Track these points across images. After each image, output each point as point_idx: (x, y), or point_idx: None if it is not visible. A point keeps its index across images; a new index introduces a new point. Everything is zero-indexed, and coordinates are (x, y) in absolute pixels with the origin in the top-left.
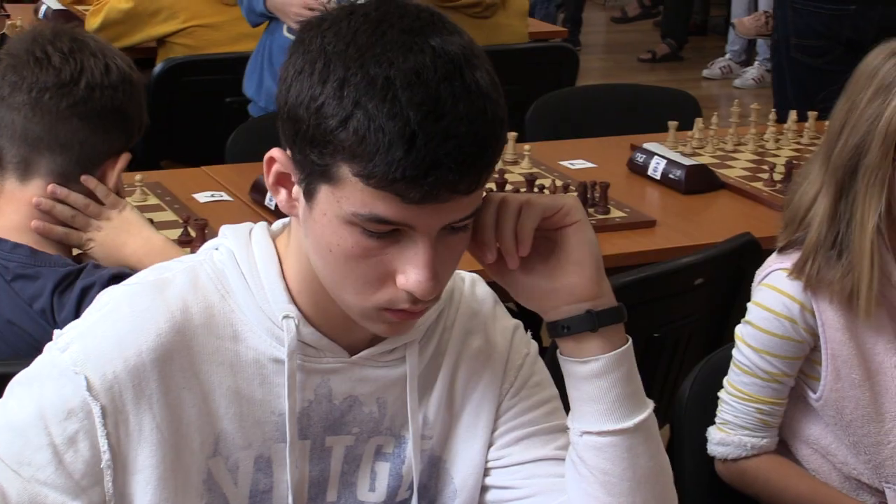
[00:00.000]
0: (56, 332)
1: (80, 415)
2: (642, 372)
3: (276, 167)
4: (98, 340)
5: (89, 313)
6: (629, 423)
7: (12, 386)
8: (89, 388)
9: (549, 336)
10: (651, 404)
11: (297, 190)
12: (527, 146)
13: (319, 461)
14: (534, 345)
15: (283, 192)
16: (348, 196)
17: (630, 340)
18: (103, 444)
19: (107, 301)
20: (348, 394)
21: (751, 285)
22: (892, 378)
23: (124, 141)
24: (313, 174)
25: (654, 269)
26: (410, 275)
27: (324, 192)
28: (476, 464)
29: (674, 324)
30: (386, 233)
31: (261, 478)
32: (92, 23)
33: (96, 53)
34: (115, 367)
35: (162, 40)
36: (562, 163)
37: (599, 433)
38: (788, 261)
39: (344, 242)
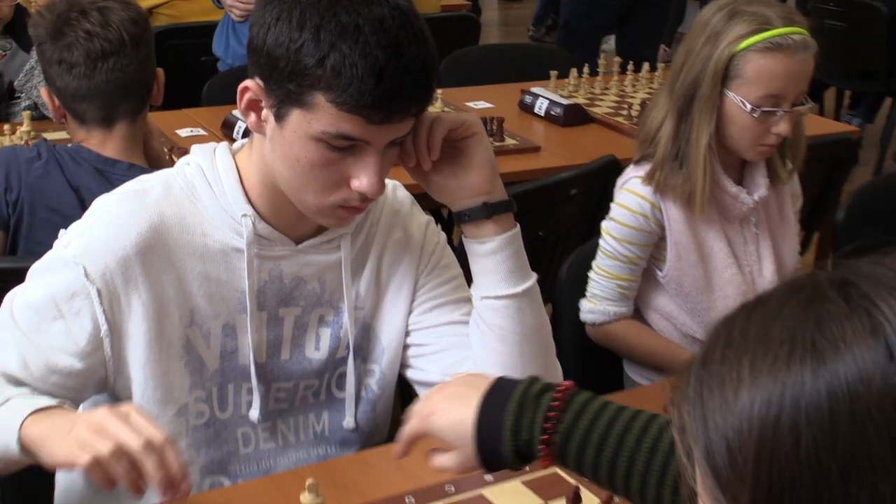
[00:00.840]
0: (61, 231)
1: (82, 296)
2: (532, 264)
3: (248, 95)
4: (93, 239)
5: (86, 217)
6: (518, 289)
7: (30, 274)
8: (87, 275)
9: (455, 222)
10: (534, 276)
11: (266, 113)
12: (440, 91)
13: (274, 328)
14: (443, 235)
15: (252, 116)
16: (319, 118)
17: (518, 226)
18: (101, 318)
19: (99, 207)
20: (295, 274)
21: (613, 193)
22: (720, 259)
23: (154, 67)
24: (287, 101)
25: (539, 183)
26: (364, 179)
27: (295, 115)
28: (399, 328)
29: (555, 225)
30: (346, 147)
31: (228, 341)
32: None
33: (123, 15)
34: (107, 259)
35: (150, 11)
36: (467, 104)
37: (496, 297)
38: (642, 170)
39: (311, 155)
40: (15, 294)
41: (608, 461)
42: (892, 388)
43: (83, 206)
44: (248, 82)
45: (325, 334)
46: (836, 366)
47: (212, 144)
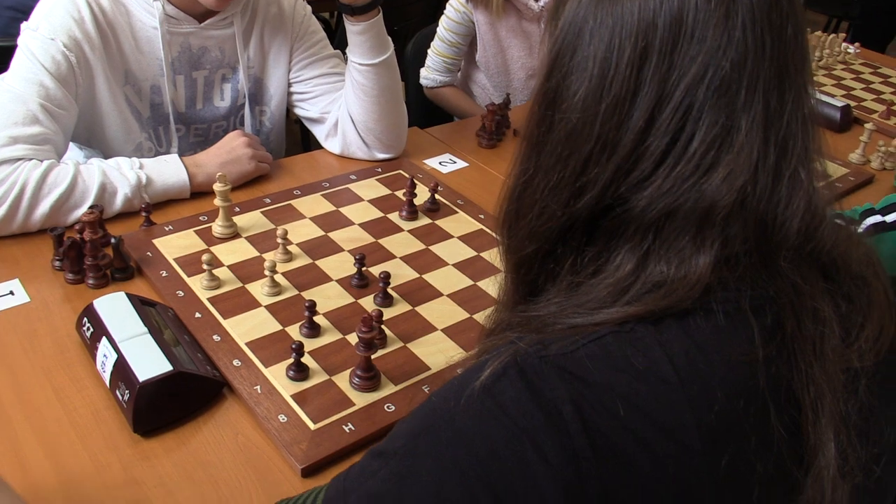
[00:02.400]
0: (23, 24)
1: (61, 58)
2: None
3: None
4: (58, 20)
5: (42, 6)
6: (376, 60)
7: (15, 65)
8: (65, 46)
9: (339, 11)
10: (390, 51)
11: None
12: None
13: (190, 87)
14: (308, 7)
15: None
16: None
17: (380, 15)
18: (80, 77)
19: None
20: (201, 45)
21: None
22: (514, 50)
23: None
24: None
25: None
26: None
27: None
28: (282, 79)
29: (405, 21)
30: None
31: (155, 97)
32: None
33: None
34: (74, 32)
35: None
36: None
37: (360, 64)
38: None
39: None
40: (3, 79)
41: None
42: None
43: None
44: None
45: (227, 88)
46: None
47: None
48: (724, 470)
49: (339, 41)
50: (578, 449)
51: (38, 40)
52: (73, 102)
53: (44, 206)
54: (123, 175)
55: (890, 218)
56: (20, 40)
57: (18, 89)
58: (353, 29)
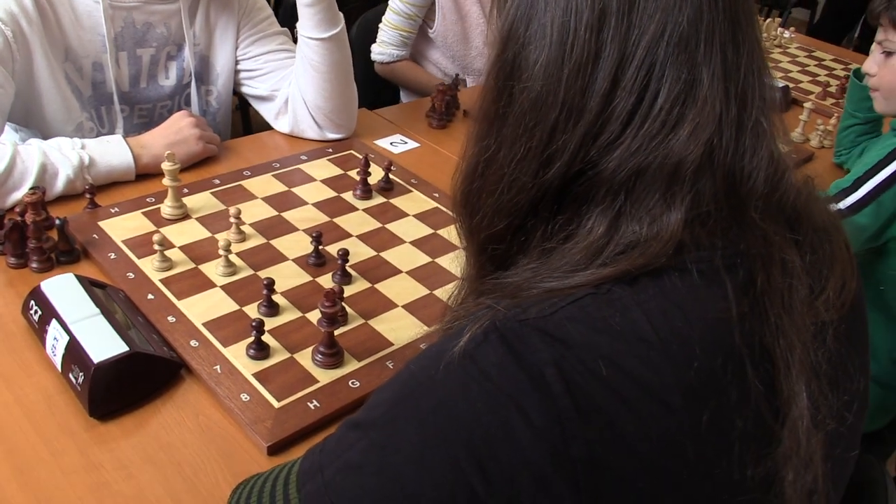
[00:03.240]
0: None
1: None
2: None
3: None
4: None
5: None
6: (326, 35)
7: None
8: (2, 21)
9: None
10: (340, 26)
11: None
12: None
13: (134, 64)
14: None
15: None
16: None
17: None
18: (16, 53)
19: None
20: (145, 21)
21: None
22: (473, 20)
23: None
24: None
25: None
26: None
27: None
28: (229, 57)
29: (345, 6)
30: None
31: (97, 75)
32: None
33: None
34: (8, 7)
35: None
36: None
37: (310, 38)
38: None
39: None
40: None
41: None
42: None
43: None
44: None
45: (173, 67)
46: None
47: None
48: (704, 427)
49: (282, 18)
50: (562, 410)
51: None
52: (10, 79)
53: None
54: (65, 155)
55: (843, 205)
56: None
57: None
58: (304, 1)
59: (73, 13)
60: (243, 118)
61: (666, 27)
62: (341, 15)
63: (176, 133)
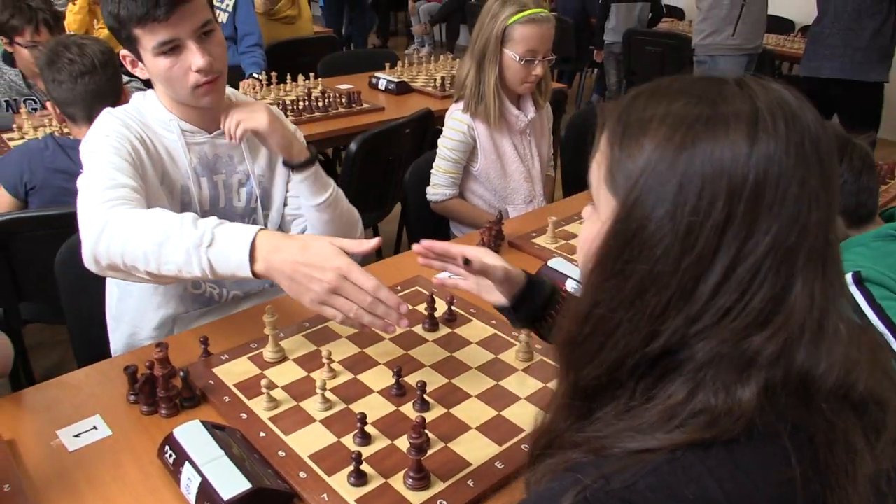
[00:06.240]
0: (80, 146)
1: (119, 144)
2: (386, 177)
3: (128, 58)
4: (108, 126)
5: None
6: (318, 201)
7: (84, 172)
8: (119, 136)
9: (284, 165)
10: (330, 190)
11: (134, 61)
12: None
13: (213, 188)
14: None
15: (137, 69)
16: (145, 45)
17: (316, 164)
18: (133, 154)
19: (103, 117)
20: (214, 153)
21: (432, 129)
22: (509, 157)
23: (120, 82)
24: (131, 47)
25: (385, 127)
26: (195, 61)
27: (140, 52)
28: (282, 195)
29: (398, 151)
30: (173, 48)
31: (184, 196)
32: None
33: (94, 48)
34: (122, 132)
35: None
36: (337, 86)
37: (308, 205)
38: (461, 104)
39: (161, 67)
40: (80, 180)
41: None
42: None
43: (79, 171)
44: (122, 51)
45: (243, 192)
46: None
47: (141, 91)
48: None
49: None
50: None
51: (96, 142)
52: (139, 176)
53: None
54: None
55: None
56: (82, 157)
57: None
58: (295, 178)
59: (164, 147)
60: None
61: (777, 239)
62: (330, 181)
63: (306, 266)
